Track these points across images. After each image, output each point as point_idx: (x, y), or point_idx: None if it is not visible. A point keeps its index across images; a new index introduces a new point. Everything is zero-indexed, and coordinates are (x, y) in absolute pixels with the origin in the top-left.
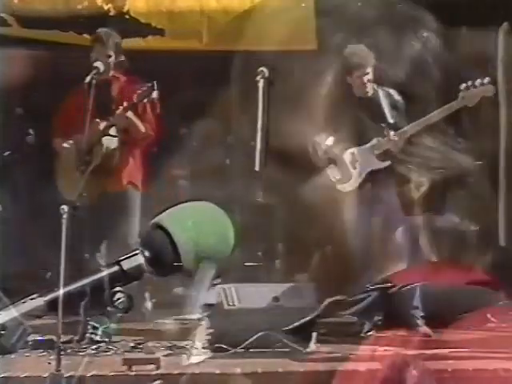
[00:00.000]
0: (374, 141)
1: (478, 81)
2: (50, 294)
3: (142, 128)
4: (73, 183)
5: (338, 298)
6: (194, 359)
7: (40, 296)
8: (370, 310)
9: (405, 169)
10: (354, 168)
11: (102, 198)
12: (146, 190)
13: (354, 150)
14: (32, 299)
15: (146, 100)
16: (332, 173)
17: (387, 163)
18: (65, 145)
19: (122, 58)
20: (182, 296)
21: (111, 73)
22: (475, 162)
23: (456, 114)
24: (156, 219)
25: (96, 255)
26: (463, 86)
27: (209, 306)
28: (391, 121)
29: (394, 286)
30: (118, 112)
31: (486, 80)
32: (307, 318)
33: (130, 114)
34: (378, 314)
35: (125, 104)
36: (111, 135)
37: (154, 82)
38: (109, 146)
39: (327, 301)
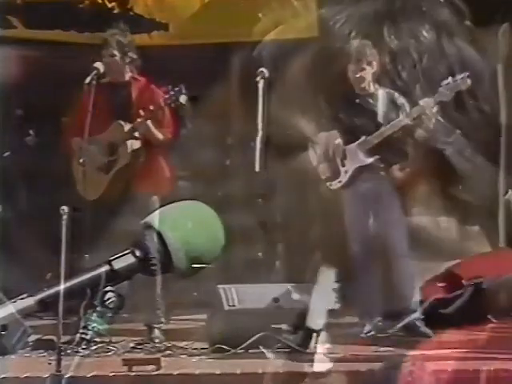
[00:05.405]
0: (362, 138)
1: (457, 76)
2: (40, 294)
3: (160, 136)
4: (93, 184)
5: (439, 296)
6: (318, 367)
7: (30, 296)
8: (467, 306)
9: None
10: (343, 166)
11: (122, 199)
12: (168, 194)
13: (344, 147)
14: (22, 299)
15: (173, 105)
16: (322, 170)
17: (372, 159)
18: (84, 145)
19: (134, 56)
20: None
21: (128, 75)
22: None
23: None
24: (146, 219)
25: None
26: (445, 82)
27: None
28: (382, 122)
29: (483, 281)
30: (138, 120)
31: (463, 75)
32: (412, 317)
33: (149, 122)
34: (475, 310)
35: (145, 111)
36: (135, 137)
37: (182, 86)
38: (133, 146)
39: (431, 298)
